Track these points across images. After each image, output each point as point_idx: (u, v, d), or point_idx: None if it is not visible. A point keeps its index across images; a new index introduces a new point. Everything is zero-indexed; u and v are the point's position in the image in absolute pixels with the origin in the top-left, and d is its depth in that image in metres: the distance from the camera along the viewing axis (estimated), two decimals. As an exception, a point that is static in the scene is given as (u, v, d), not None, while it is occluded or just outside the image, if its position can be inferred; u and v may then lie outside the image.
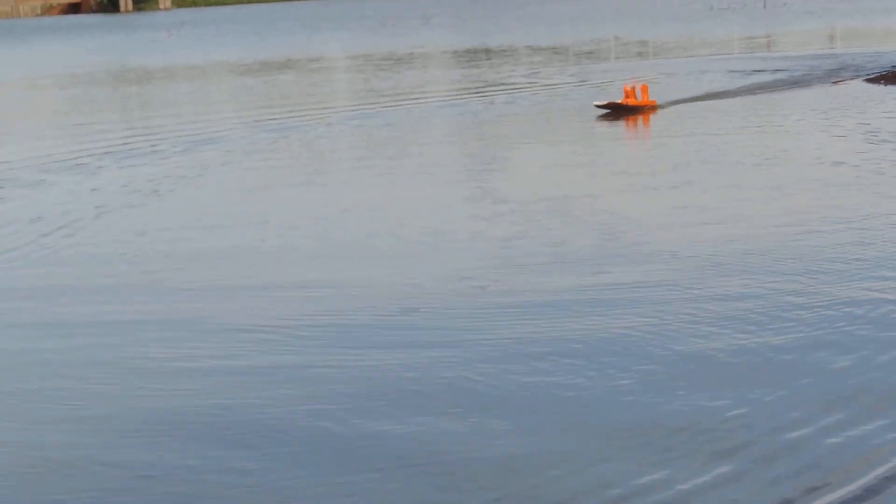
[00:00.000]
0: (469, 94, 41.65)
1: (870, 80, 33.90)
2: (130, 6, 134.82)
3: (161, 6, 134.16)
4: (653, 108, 25.82)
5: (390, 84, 45.03)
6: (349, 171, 27.34)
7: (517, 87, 41.85)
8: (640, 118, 26.86)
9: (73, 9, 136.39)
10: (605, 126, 27.29)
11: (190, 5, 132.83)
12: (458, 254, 17.52)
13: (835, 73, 37.94)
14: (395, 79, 47.22)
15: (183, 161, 28.67)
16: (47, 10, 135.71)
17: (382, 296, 15.41)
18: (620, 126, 26.90)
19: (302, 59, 58.47)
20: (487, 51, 58.71)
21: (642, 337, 12.11)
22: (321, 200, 23.45)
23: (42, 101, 48.29)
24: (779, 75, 38.85)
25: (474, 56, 56.97)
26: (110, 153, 29.92)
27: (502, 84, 43.70)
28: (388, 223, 20.30)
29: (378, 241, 19.00)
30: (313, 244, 19.22)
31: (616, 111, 26.07)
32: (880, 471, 8.74)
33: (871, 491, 8.47)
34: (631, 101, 25.52)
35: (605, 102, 25.71)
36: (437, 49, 62.17)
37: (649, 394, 10.64)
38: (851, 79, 34.98)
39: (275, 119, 35.85)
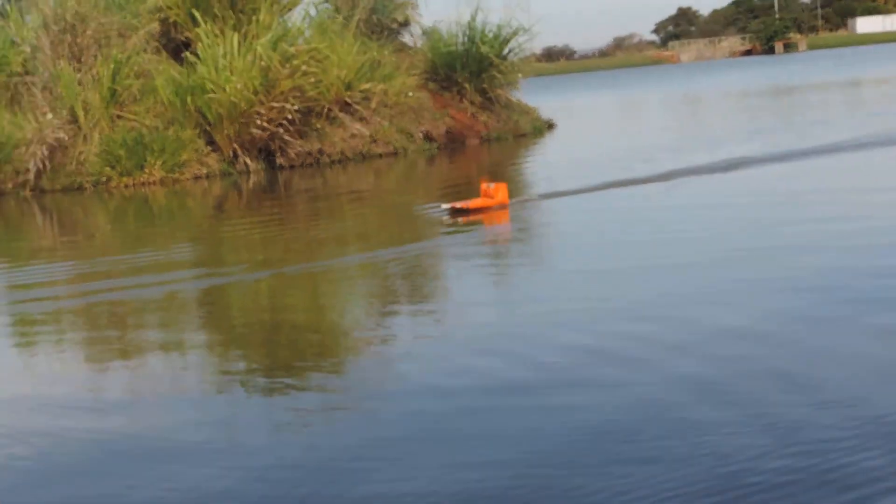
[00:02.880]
0: None
1: None
2: (782, 50, 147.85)
3: (800, 49, 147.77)
4: (502, 206, 18.94)
5: None
6: None
7: None
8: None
9: (747, 53, 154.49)
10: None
11: (821, 47, 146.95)
12: None
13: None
14: None
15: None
16: (733, 54, 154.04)
17: None
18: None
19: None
20: None
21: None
22: None
23: (723, 108, 50.30)
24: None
25: None
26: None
27: None
28: None
29: None
30: None
31: (464, 213, 18.81)
32: None
33: None
34: (472, 205, 18.65)
35: (449, 206, 18.96)
36: None
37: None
38: None
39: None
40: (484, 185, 18.92)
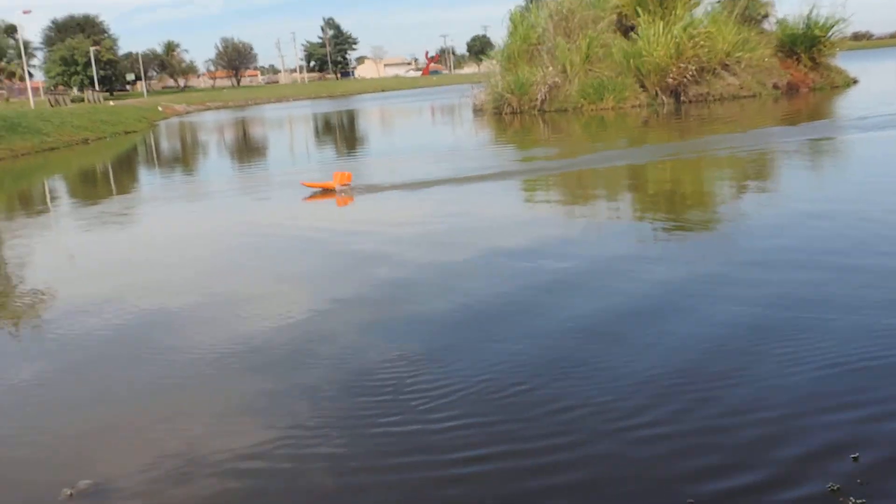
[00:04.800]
0: None
1: None
2: None
3: None
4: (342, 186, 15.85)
5: None
6: None
7: None
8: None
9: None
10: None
11: None
12: None
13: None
14: None
15: None
16: None
17: None
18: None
19: None
20: None
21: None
22: None
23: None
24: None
25: None
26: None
27: None
28: None
29: None
30: None
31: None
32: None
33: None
34: (321, 185, 16.15)
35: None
36: None
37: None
38: None
39: None
40: (335, 173, 16.42)
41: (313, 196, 15.78)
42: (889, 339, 5.92)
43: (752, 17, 37.96)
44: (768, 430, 4.73)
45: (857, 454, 4.37)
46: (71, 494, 4.75)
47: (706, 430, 4.77)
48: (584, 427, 4.97)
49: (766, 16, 39.40)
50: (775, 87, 35.93)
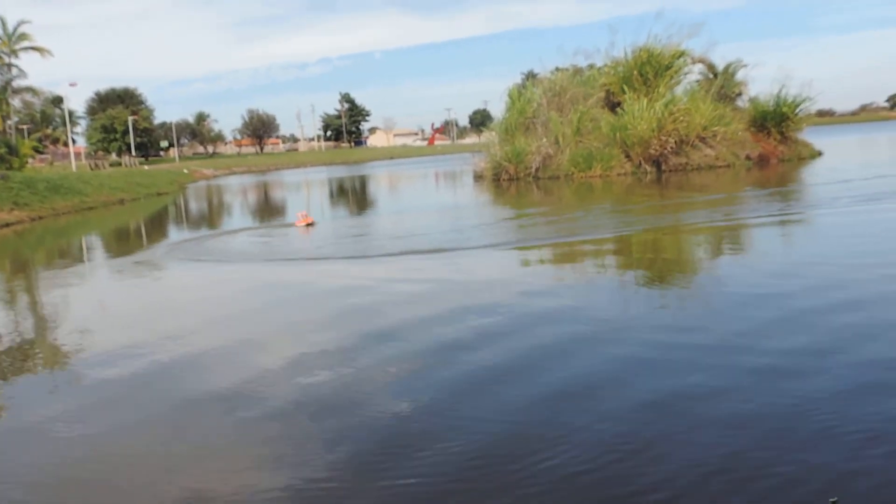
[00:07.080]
0: None
1: None
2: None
3: None
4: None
5: None
6: None
7: None
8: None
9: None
10: None
11: None
12: None
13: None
14: None
15: None
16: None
17: None
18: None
19: None
20: None
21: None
22: None
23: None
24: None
25: None
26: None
27: None
28: None
29: None
30: None
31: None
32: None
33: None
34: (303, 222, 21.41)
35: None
36: None
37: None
38: None
39: None
40: (301, 213, 21.66)
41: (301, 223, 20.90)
42: None
43: (727, 95, 38.26)
44: None
45: None
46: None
47: None
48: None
49: (739, 94, 39.61)
50: (748, 157, 35.97)
